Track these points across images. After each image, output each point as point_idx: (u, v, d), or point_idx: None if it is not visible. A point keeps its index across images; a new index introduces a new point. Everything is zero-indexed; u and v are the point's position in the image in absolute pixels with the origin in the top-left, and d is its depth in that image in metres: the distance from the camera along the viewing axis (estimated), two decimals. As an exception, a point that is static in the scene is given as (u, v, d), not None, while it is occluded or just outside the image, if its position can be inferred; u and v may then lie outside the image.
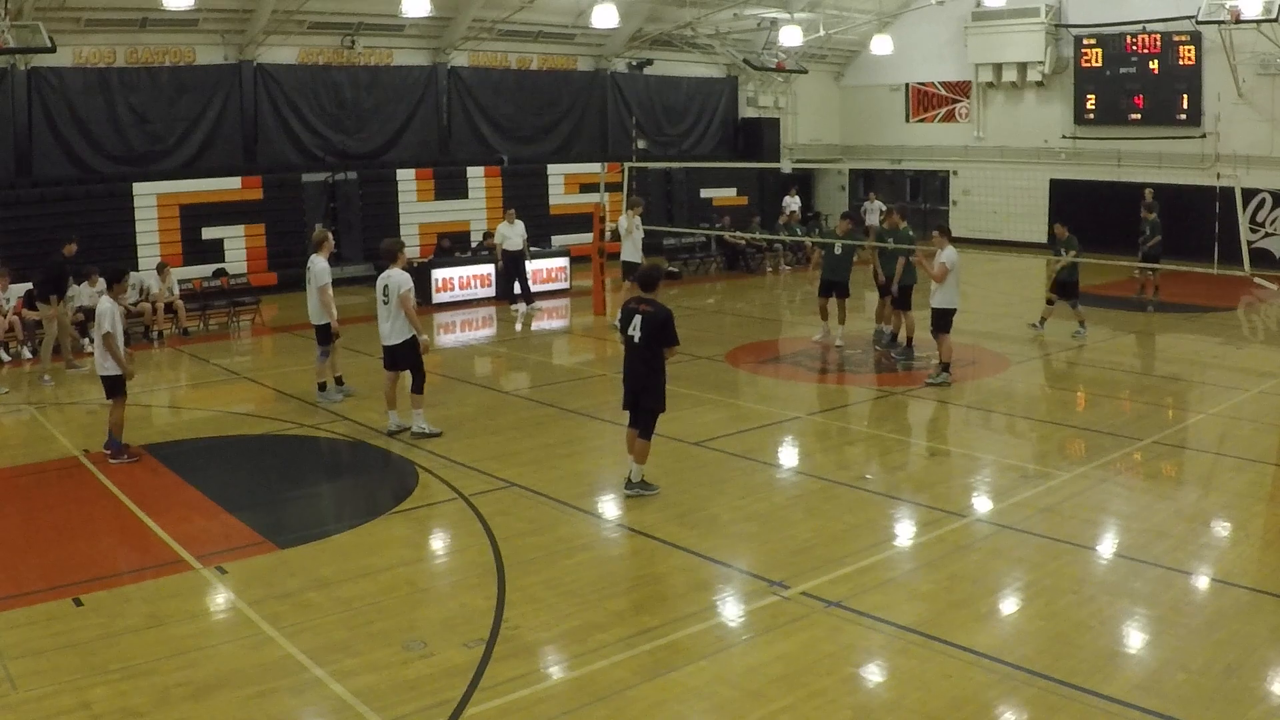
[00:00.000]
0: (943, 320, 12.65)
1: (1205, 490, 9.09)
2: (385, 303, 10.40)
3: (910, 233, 14.85)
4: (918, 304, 14.28)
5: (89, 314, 15.71)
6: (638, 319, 8.55)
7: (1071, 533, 7.80)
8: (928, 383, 12.56)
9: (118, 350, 9.83)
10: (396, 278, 10.37)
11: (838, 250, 14.97)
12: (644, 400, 8.67)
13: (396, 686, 5.67)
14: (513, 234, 19.01)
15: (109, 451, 9.96)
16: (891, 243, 14.51)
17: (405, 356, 10.48)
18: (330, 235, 12.36)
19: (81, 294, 15.37)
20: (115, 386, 9.96)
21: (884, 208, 25.35)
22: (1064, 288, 15.46)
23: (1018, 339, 15.67)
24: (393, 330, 10.42)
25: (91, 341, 15.52)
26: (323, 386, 12.10)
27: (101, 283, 16.05)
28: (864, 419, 11.66)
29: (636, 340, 8.56)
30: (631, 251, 17.06)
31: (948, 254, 12.57)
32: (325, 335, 11.86)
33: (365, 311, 18.72)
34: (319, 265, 11.76)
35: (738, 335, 16.34)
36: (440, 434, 10.47)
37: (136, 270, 17.31)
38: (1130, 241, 19.25)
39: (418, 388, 10.49)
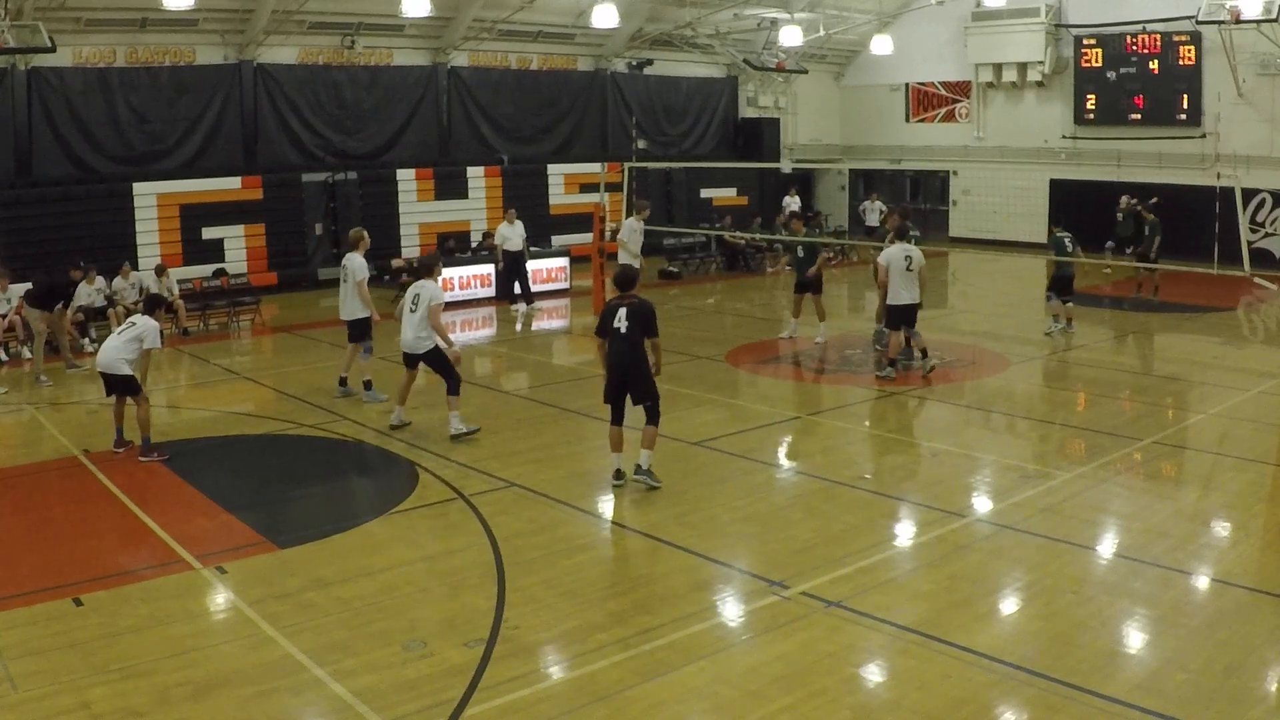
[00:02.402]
0: (890, 315, 12.96)
1: (1205, 490, 9.09)
2: (413, 311, 10.45)
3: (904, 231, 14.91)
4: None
5: (89, 314, 15.75)
6: (623, 310, 8.74)
7: (1071, 533, 7.79)
8: (878, 375, 12.90)
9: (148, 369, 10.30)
10: (430, 289, 10.48)
11: (800, 252, 15.48)
12: (635, 390, 8.84)
13: (396, 686, 5.67)
14: (513, 234, 19.02)
15: (140, 447, 10.03)
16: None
17: (433, 364, 10.54)
18: (366, 234, 12.57)
19: (80, 294, 15.37)
20: (132, 386, 10.02)
21: (884, 209, 25.44)
22: (1059, 283, 15.63)
23: (1018, 339, 15.68)
24: (417, 339, 10.44)
25: (91, 341, 15.60)
26: (368, 385, 12.09)
27: (100, 280, 16.12)
28: (864, 419, 11.65)
29: (624, 331, 8.71)
30: (629, 256, 16.81)
31: (884, 254, 12.96)
32: (362, 331, 11.99)
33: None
34: (356, 262, 11.95)
35: (738, 335, 16.35)
36: (479, 430, 10.48)
37: (136, 270, 17.32)
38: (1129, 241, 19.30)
39: (454, 389, 10.47)
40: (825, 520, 8.20)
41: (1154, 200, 19.85)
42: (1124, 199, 20.43)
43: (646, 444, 8.91)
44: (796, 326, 15.54)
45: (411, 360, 10.64)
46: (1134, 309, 18.08)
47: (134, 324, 10.13)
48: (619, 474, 9.02)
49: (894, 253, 12.78)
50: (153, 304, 10.68)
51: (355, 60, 22.20)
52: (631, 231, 16.72)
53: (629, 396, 8.94)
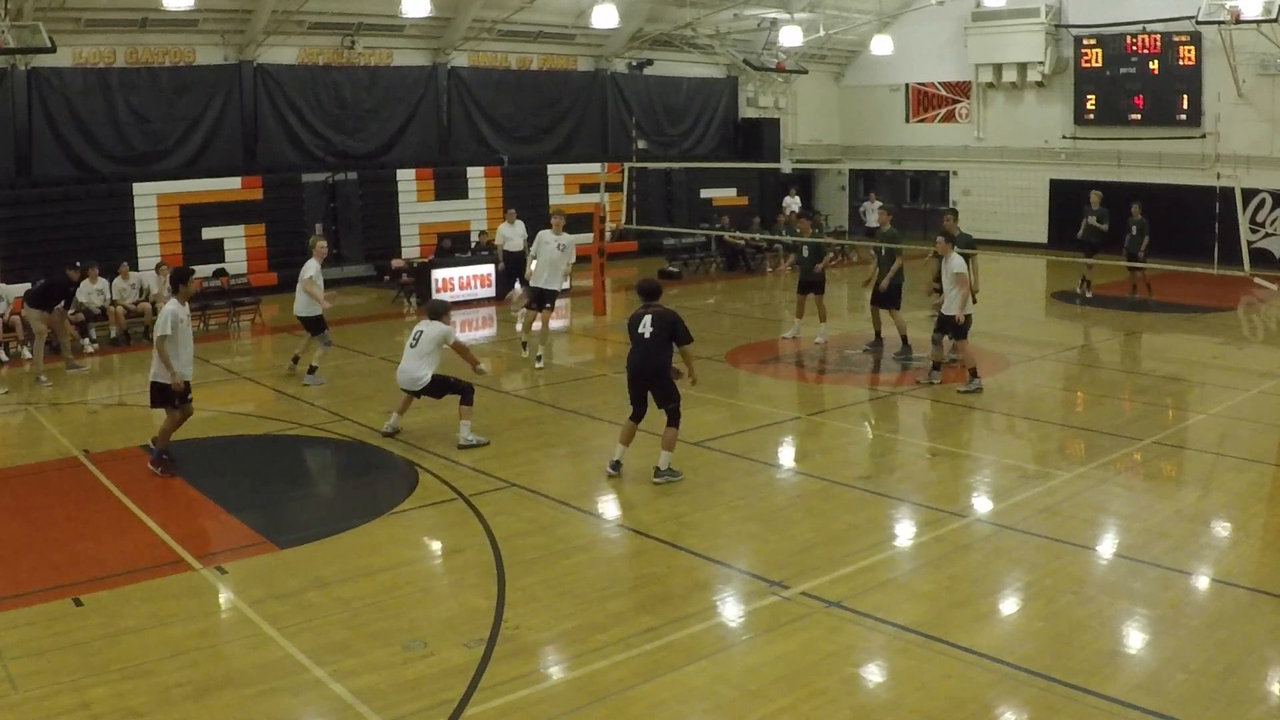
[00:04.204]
0: (967, 325, 12.22)
1: (1205, 490, 9.09)
2: (413, 346, 10.35)
3: (893, 231, 14.94)
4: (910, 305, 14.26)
5: (89, 314, 15.74)
6: (648, 318, 9.03)
7: (1071, 533, 7.80)
8: (961, 390, 12.13)
9: (168, 357, 9.28)
10: (439, 329, 10.31)
11: (805, 252, 15.45)
12: (657, 394, 9.06)
13: (396, 686, 5.67)
14: (513, 234, 19.02)
15: (150, 458, 9.55)
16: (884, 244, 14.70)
17: (440, 389, 10.38)
18: (324, 243, 13.70)
19: (81, 292, 15.36)
20: (163, 395, 9.46)
21: (877, 208, 25.43)
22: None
23: (1018, 339, 15.69)
24: (413, 379, 10.27)
25: (91, 341, 15.60)
26: (312, 370, 13.06)
27: (102, 281, 16.12)
28: (864, 419, 11.65)
29: (647, 336, 8.97)
30: (550, 275, 14.01)
31: (959, 261, 12.21)
32: (317, 325, 13.09)
33: (365, 312, 18.76)
34: (311, 266, 12.98)
35: (737, 335, 16.34)
36: (488, 443, 10.29)
37: (136, 270, 17.31)
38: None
39: (467, 400, 10.33)
40: (825, 520, 8.20)
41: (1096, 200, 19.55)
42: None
43: (666, 445, 9.08)
44: (799, 326, 15.56)
45: (414, 392, 10.51)
46: (1131, 309, 18.06)
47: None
48: (616, 464, 9.22)
49: (963, 261, 12.21)
50: (176, 280, 9.83)
51: (355, 60, 22.19)
52: (540, 244, 14.15)
53: (652, 399, 9.14)
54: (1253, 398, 11.94)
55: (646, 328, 9.00)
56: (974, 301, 12.53)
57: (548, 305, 14.04)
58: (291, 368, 13.40)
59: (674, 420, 9.07)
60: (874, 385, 13.23)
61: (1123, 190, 22.19)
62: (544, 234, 14.22)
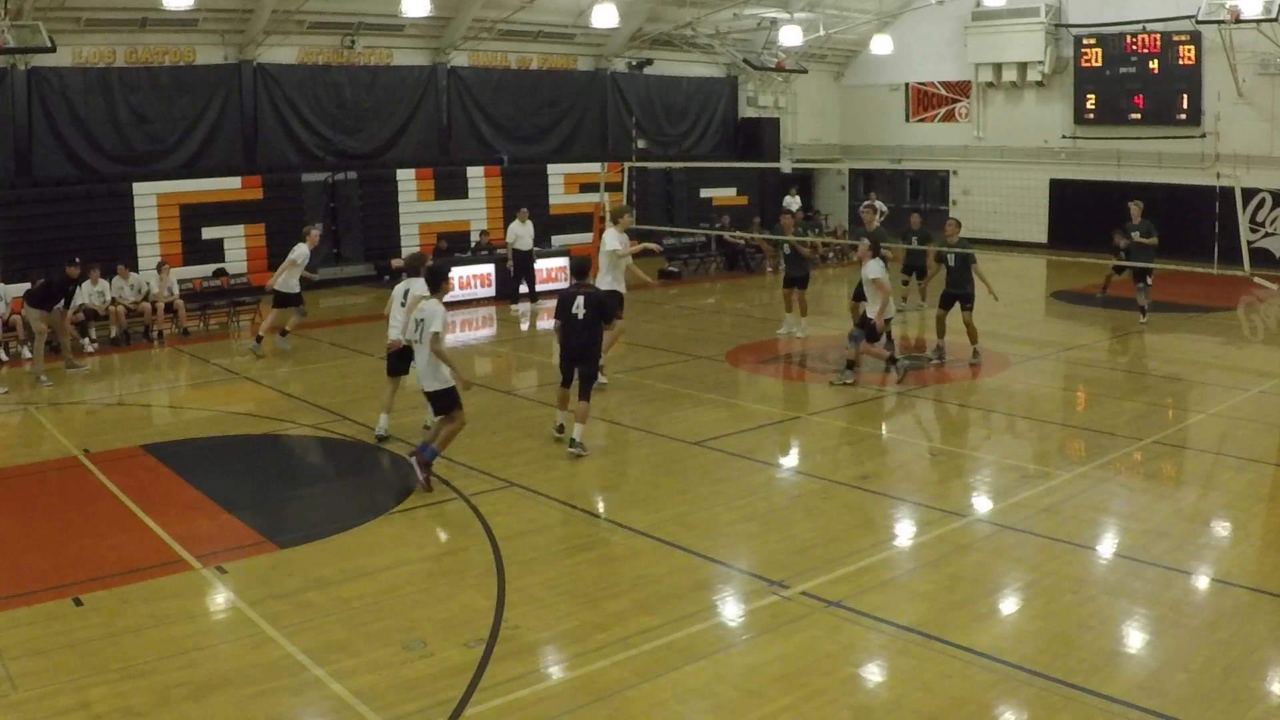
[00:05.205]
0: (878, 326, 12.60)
1: (1205, 490, 9.09)
2: (404, 305, 9.91)
3: (880, 231, 15.03)
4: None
5: (89, 314, 15.73)
6: (580, 299, 9.71)
7: (1071, 533, 7.80)
8: (832, 383, 12.60)
9: (447, 356, 8.64)
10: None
11: (787, 250, 15.79)
12: (584, 368, 9.75)
13: (396, 686, 5.67)
14: (524, 233, 19.12)
15: (419, 459, 8.82)
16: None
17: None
18: (315, 230, 15.42)
19: (83, 292, 15.36)
20: (450, 400, 8.84)
21: (881, 208, 25.38)
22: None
23: (1018, 339, 15.69)
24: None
25: (91, 341, 15.59)
26: (259, 339, 15.03)
27: (103, 282, 16.10)
28: (863, 419, 11.65)
29: (581, 317, 9.66)
30: (618, 279, 12.37)
31: (883, 267, 12.43)
32: (287, 301, 15.02)
33: (364, 312, 18.74)
34: (300, 250, 14.90)
35: (738, 335, 16.35)
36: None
37: (137, 270, 17.30)
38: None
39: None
40: (825, 520, 8.21)
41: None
42: None
43: (581, 418, 9.74)
44: (791, 323, 15.73)
45: (396, 366, 10.26)
46: (1131, 309, 18.04)
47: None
48: (561, 428, 10.10)
49: (881, 268, 12.41)
50: (436, 278, 8.90)
51: (355, 60, 22.19)
52: (626, 244, 12.52)
53: (576, 370, 9.84)
54: (1253, 398, 11.94)
55: (580, 308, 9.64)
56: (970, 306, 12.76)
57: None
58: (253, 347, 14.91)
59: (586, 394, 9.72)
60: (873, 384, 13.22)
61: (1122, 190, 22.21)
62: (615, 233, 12.49)
